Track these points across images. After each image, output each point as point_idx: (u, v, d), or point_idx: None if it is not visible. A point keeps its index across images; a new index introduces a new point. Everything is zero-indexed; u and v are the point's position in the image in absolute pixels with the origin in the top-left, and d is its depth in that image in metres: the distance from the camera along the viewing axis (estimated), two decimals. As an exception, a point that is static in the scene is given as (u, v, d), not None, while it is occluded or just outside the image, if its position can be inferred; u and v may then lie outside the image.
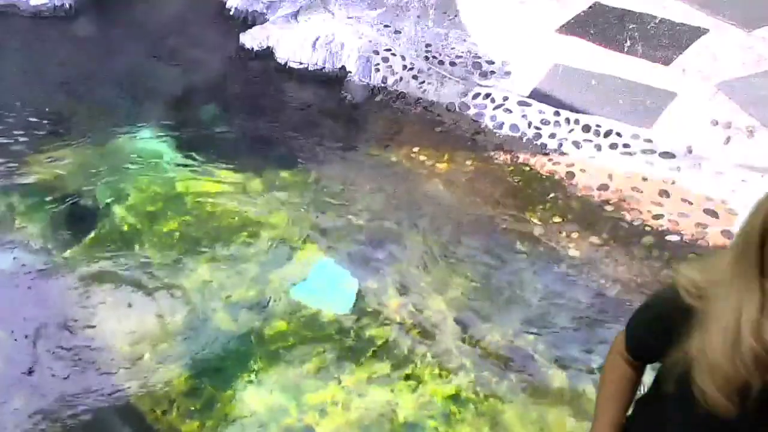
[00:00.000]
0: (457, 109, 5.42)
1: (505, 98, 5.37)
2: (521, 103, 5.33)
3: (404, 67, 5.74)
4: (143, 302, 4.01)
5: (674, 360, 1.75)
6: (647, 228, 4.44)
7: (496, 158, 5.06)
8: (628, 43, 5.77)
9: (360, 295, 4.07)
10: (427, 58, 5.82)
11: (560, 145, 5.03)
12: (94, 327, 3.87)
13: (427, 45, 5.93)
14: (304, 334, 3.84)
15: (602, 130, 5.02)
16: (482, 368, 3.67)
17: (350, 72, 5.81)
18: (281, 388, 3.58)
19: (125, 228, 4.48)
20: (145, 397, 3.51)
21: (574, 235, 4.44)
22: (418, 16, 6.23)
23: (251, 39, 6.22)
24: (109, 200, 4.69)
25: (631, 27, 5.92)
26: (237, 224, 4.53)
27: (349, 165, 5.08)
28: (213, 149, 5.21)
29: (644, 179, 4.70)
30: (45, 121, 5.42)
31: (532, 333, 3.87)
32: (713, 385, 1.62)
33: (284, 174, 4.97)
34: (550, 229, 4.48)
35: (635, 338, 2.03)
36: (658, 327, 1.86)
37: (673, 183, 4.66)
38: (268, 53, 6.11)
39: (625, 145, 4.91)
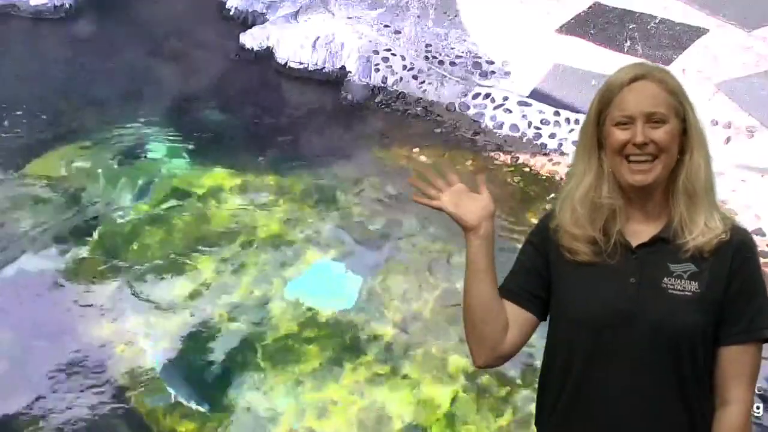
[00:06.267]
0: (457, 109, 5.43)
1: (505, 98, 5.37)
2: (521, 103, 5.33)
3: (404, 67, 5.74)
4: (144, 302, 4.01)
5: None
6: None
7: (496, 158, 5.06)
8: (628, 43, 5.77)
9: (360, 295, 4.07)
10: (427, 58, 5.82)
11: (560, 145, 5.03)
12: (94, 327, 3.87)
13: (427, 45, 5.93)
14: (304, 334, 3.84)
15: (602, 130, 5.03)
16: (483, 369, 3.66)
17: (350, 72, 5.81)
18: (281, 388, 3.58)
19: (126, 228, 4.49)
20: (146, 398, 3.51)
21: (574, 235, 4.43)
22: (418, 16, 6.23)
23: (251, 39, 6.22)
24: (109, 200, 4.70)
25: (631, 27, 5.92)
26: (237, 224, 4.53)
27: (349, 165, 5.08)
28: (213, 149, 5.22)
29: (644, 179, 4.70)
30: (45, 121, 5.42)
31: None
32: (572, 239, 1.90)
33: (284, 174, 4.97)
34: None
35: (512, 280, 1.98)
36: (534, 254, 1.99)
37: (673, 183, 4.66)
38: (268, 53, 6.11)
39: (625, 145, 4.92)
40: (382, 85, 5.70)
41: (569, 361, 1.91)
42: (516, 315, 1.94)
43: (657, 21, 5.96)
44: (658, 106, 1.86)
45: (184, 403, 3.49)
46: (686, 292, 1.83)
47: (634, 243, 1.88)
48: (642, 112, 1.85)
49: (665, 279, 1.84)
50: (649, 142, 1.84)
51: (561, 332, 1.94)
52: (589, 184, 1.91)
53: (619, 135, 1.86)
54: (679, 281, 1.84)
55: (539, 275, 1.96)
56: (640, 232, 1.90)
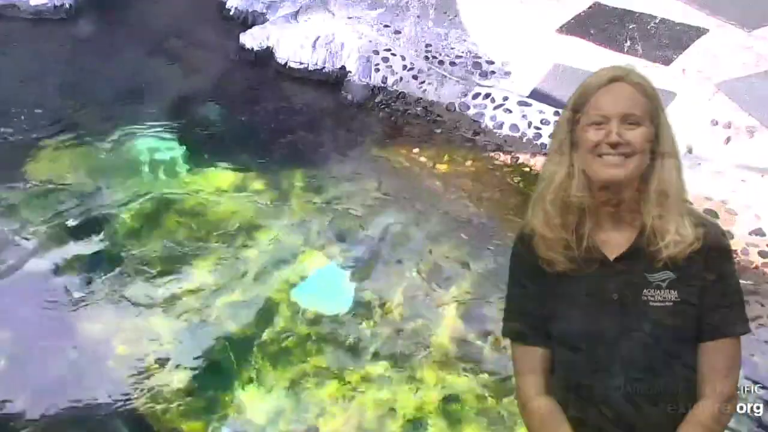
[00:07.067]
0: (457, 109, 5.43)
1: (505, 98, 5.37)
2: (521, 103, 5.33)
3: (404, 67, 5.74)
4: (144, 302, 4.01)
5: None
6: (647, 228, 4.43)
7: (496, 159, 5.06)
8: (628, 43, 5.77)
9: (360, 295, 4.07)
10: (427, 58, 5.82)
11: (560, 145, 5.03)
12: (94, 326, 3.87)
13: (427, 45, 5.93)
14: (304, 334, 3.84)
15: (602, 130, 5.02)
16: (483, 368, 3.67)
17: (350, 72, 5.81)
18: (281, 388, 3.58)
19: (126, 228, 4.49)
20: (146, 397, 3.52)
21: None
22: (418, 16, 6.23)
23: (251, 39, 6.22)
24: (109, 200, 4.70)
25: (631, 27, 5.92)
26: (237, 224, 4.53)
27: (350, 165, 5.09)
28: (213, 149, 5.22)
29: (644, 179, 4.69)
30: (46, 122, 5.42)
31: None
32: (546, 248, 1.92)
33: (284, 174, 4.97)
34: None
35: (520, 318, 2.01)
36: (525, 278, 2.01)
37: (673, 183, 4.65)
38: (268, 53, 6.11)
39: (625, 145, 4.91)
40: (382, 85, 5.70)
41: (565, 376, 1.96)
42: (541, 357, 1.98)
43: (657, 21, 5.96)
44: (634, 108, 1.87)
45: (185, 403, 3.50)
46: (666, 303, 1.87)
47: (610, 256, 1.91)
48: (618, 112, 1.87)
49: (645, 291, 1.87)
50: (623, 143, 1.85)
51: (554, 348, 1.97)
52: (559, 184, 1.92)
53: (594, 134, 1.88)
54: (658, 292, 1.87)
55: (534, 299, 1.98)
56: (614, 241, 1.92)
